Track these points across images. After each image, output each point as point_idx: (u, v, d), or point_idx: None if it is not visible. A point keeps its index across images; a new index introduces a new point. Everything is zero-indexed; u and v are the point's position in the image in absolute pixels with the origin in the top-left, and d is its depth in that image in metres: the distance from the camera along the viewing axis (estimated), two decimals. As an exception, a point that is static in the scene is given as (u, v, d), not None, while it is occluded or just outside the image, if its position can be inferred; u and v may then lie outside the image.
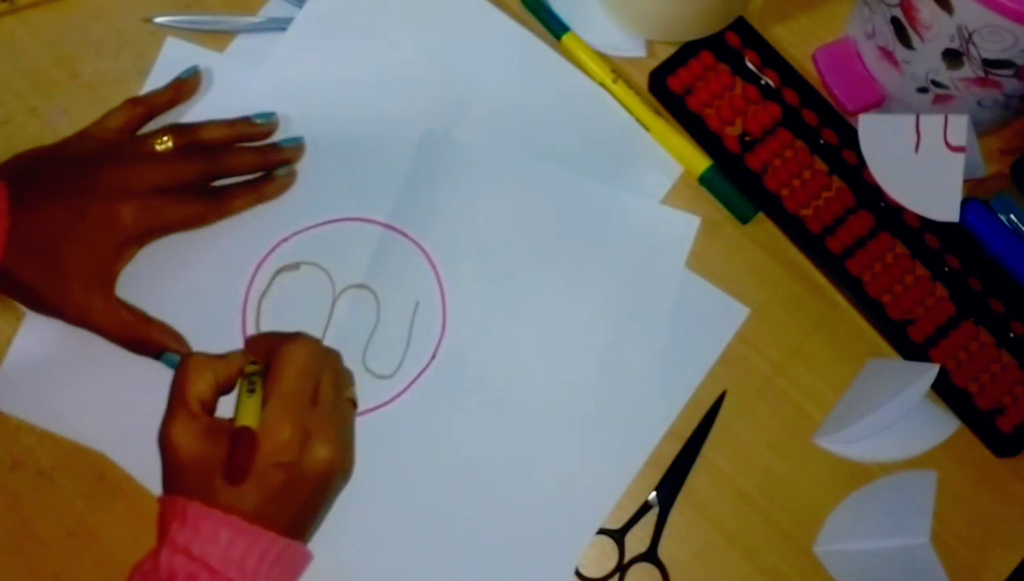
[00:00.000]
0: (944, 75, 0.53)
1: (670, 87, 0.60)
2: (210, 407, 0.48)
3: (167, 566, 0.43)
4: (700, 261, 0.57)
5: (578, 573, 0.52)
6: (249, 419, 0.46)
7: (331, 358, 0.50)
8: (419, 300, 0.56)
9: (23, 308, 0.55)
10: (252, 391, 0.47)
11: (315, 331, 0.55)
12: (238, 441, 0.45)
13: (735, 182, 0.58)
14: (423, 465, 0.53)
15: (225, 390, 0.49)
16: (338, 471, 0.47)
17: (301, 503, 0.46)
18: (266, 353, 0.49)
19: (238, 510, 0.44)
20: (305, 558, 0.47)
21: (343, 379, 0.50)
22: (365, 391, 0.53)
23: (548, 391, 0.55)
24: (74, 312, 0.51)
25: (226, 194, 0.55)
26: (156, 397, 0.53)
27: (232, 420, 0.46)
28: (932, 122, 0.55)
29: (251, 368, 0.48)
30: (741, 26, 0.61)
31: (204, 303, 0.55)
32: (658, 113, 0.60)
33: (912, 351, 0.55)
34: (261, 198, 0.56)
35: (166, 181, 0.53)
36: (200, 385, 0.47)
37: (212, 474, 0.45)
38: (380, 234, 0.57)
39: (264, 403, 0.46)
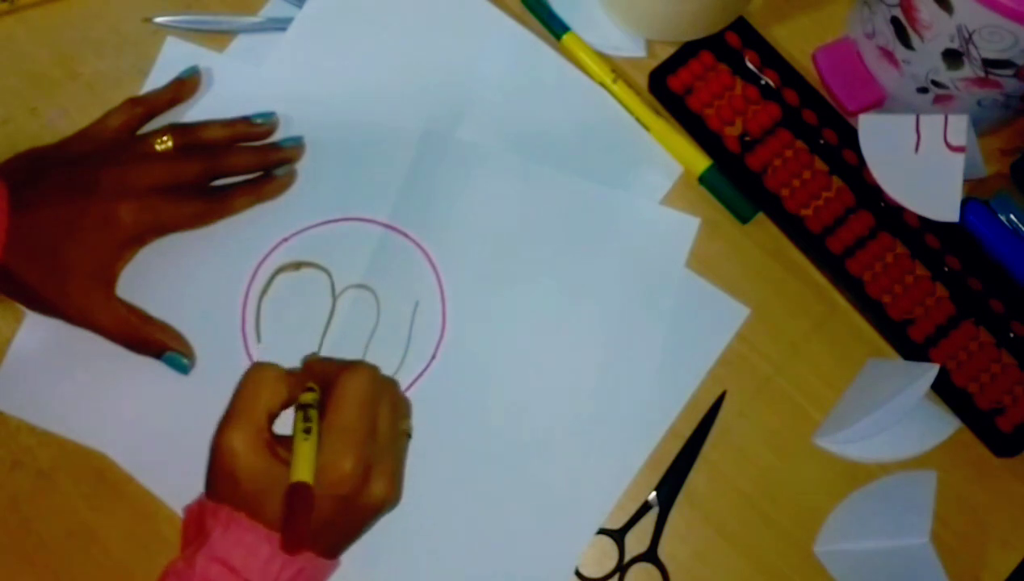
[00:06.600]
0: (944, 75, 0.53)
1: (670, 87, 0.60)
2: (274, 419, 0.47)
3: (203, 573, 0.43)
4: (700, 261, 0.57)
5: (578, 573, 0.52)
6: (304, 470, 0.43)
7: (388, 388, 0.48)
8: (419, 300, 0.56)
9: (23, 308, 0.55)
10: (308, 432, 0.45)
11: (315, 332, 0.55)
12: (294, 499, 0.43)
13: (735, 182, 0.58)
14: (423, 465, 0.53)
15: (287, 406, 0.48)
16: (390, 504, 0.47)
17: (348, 531, 0.46)
18: (323, 379, 0.47)
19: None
20: (334, 569, 0.47)
21: (400, 410, 0.49)
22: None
23: (548, 391, 0.55)
24: (74, 312, 0.51)
25: (226, 194, 0.55)
26: (156, 397, 0.53)
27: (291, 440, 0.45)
28: (932, 122, 0.55)
29: (307, 397, 0.46)
30: (741, 26, 0.61)
31: (204, 303, 0.55)
32: (658, 113, 0.60)
33: (912, 351, 0.55)
34: (261, 198, 0.56)
35: (166, 181, 0.53)
36: (274, 399, 0.46)
37: (264, 489, 0.44)
38: (380, 234, 0.57)
39: (322, 434, 0.45)
